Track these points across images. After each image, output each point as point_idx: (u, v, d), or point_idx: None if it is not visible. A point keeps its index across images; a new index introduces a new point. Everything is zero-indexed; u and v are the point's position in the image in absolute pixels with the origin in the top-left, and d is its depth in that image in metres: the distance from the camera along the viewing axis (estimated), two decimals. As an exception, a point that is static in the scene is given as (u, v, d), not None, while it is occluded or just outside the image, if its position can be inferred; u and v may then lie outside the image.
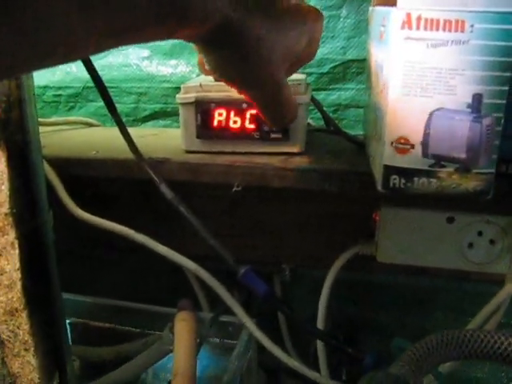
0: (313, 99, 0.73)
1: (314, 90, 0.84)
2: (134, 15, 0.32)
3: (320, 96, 0.83)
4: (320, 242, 0.74)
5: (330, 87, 0.84)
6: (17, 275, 0.53)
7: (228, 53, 0.42)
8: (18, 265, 0.52)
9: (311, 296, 0.73)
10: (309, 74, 0.83)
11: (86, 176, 0.69)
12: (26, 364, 0.56)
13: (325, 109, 0.78)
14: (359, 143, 0.69)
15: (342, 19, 0.80)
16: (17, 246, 0.52)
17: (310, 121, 0.80)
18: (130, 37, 0.34)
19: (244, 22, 0.40)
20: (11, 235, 0.52)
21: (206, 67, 0.45)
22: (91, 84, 0.62)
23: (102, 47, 0.33)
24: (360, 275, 0.78)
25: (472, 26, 0.45)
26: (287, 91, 0.49)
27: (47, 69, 0.84)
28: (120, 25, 0.31)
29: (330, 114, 0.83)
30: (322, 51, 0.82)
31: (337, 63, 0.82)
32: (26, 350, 0.55)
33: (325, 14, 0.80)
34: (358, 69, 0.82)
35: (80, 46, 0.31)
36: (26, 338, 0.55)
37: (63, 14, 0.28)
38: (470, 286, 0.75)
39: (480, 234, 0.64)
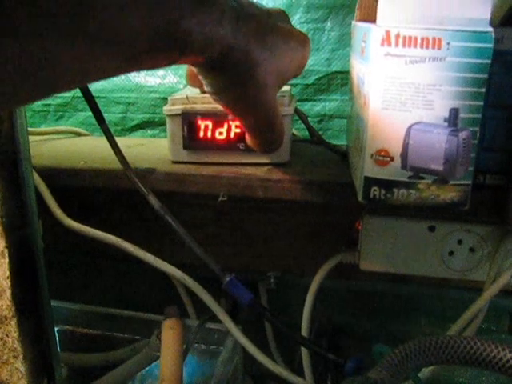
0: (297, 110, 0.74)
1: (299, 100, 0.85)
2: (136, 48, 0.33)
3: (305, 107, 0.85)
4: (305, 250, 0.75)
5: (315, 98, 0.85)
6: (6, 283, 0.53)
7: (228, 79, 0.44)
8: (7, 273, 0.53)
9: (296, 304, 0.74)
10: (294, 85, 0.85)
11: (74, 186, 0.69)
12: (15, 371, 0.57)
13: (310, 119, 0.80)
14: (342, 153, 0.71)
15: (326, 32, 0.82)
16: (6, 254, 0.53)
17: (294, 131, 0.81)
18: (133, 67, 0.35)
19: (244, 48, 0.41)
20: (1, 244, 0.52)
21: (206, 90, 0.46)
22: (80, 94, 0.64)
23: (104, 76, 0.35)
24: (344, 283, 0.80)
25: (448, 43, 0.47)
26: (280, 116, 0.50)
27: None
28: (122, 58, 0.33)
29: (315, 125, 0.84)
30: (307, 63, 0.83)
31: (321, 75, 0.84)
32: (14, 357, 0.56)
33: (310, 26, 0.82)
34: (342, 80, 0.84)
35: (79, 80, 0.33)
36: (14, 346, 0.55)
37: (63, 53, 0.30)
38: (451, 292, 0.76)
39: (460, 242, 0.66)
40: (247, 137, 0.53)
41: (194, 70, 0.45)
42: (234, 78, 0.44)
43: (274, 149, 0.54)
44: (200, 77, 0.45)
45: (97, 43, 0.30)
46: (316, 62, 0.84)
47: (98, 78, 0.34)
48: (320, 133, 0.82)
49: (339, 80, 0.84)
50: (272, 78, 0.46)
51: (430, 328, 0.82)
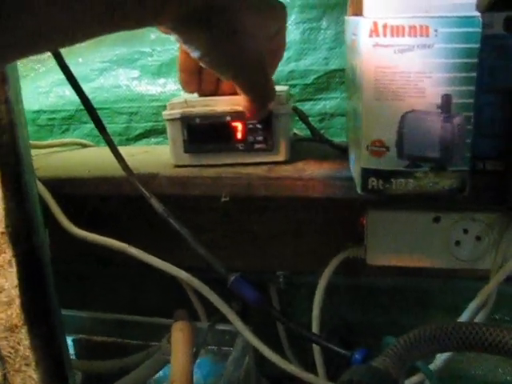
0: (296, 109, 0.74)
1: (299, 100, 0.86)
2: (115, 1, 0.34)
3: (306, 106, 0.85)
4: (312, 248, 0.75)
5: (315, 97, 0.86)
6: (15, 292, 0.54)
7: (216, 31, 0.44)
8: (16, 282, 0.54)
9: (307, 302, 0.74)
10: (293, 86, 0.85)
11: (80, 195, 0.71)
12: (28, 379, 0.57)
13: (311, 118, 0.80)
14: (343, 149, 0.71)
15: (322, 31, 0.83)
16: (14, 264, 0.54)
17: (296, 131, 0.82)
18: (115, 20, 0.36)
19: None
20: (8, 253, 0.53)
21: (194, 55, 0.47)
22: (83, 107, 0.65)
23: (92, 32, 0.35)
24: (354, 280, 0.79)
25: (436, 30, 0.47)
26: (268, 69, 0.52)
27: (40, 93, 0.85)
28: (102, 9, 0.34)
29: (317, 124, 0.85)
30: (305, 63, 0.84)
31: (320, 74, 0.84)
32: (26, 365, 0.57)
33: (305, 26, 0.83)
34: (341, 78, 0.84)
35: (66, 33, 0.34)
36: (26, 354, 0.56)
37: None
38: (461, 283, 0.76)
39: (466, 231, 0.66)
40: (242, 98, 0.55)
41: (181, 40, 0.45)
42: (221, 30, 0.45)
43: (270, 99, 0.56)
44: (188, 45, 0.46)
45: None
46: (314, 61, 0.84)
47: (81, 33, 0.35)
48: (322, 131, 0.82)
49: (338, 78, 0.84)
50: (257, 30, 0.47)
51: (442, 320, 0.81)
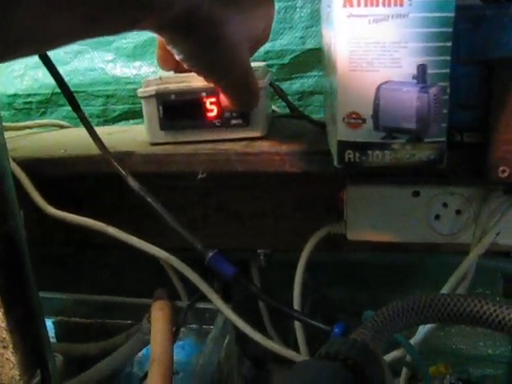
0: (273, 86, 0.74)
1: (277, 80, 0.85)
2: (95, 7, 0.33)
3: (284, 86, 0.85)
4: (293, 224, 0.75)
5: (293, 76, 0.85)
6: (-10, 274, 0.54)
7: (198, 39, 0.44)
8: (-10, 264, 0.53)
9: (288, 279, 0.74)
10: (270, 66, 0.85)
11: (57, 175, 0.70)
12: (6, 361, 0.57)
13: (290, 97, 0.80)
14: (321, 125, 0.70)
15: (298, 9, 0.82)
16: (-12, 246, 0.53)
17: (275, 108, 0.81)
18: (95, 28, 0.35)
19: (210, 6, 0.41)
20: (-18, 237, 0.53)
21: (177, 58, 0.46)
22: (59, 90, 0.64)
23: (66, 39, 0.34)
24: (334, 255, 0.79)
25: (410, -1, 0.47)
26: (252, 73, 0.51)
27: (16, 77, 0.84)
28: (81, 19, 0.33)
29: (295, 102, 0.84)
30: (281, 42, 0.84)
31: (297, 53, 0.84)
32: (4, 347, 0.56)
33: (281, 5, 0.82)
34: (318, 57, 0.83)
35: (37, 42, 0.33)
36: (3, 336, 0.55)
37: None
38: (441, 257, 0.76)
39: (445, 205, 0.65)
40: (224, 99, 0.54)
41: (164, 40, 0.44)
42: (203, 39, 0.44)
43: (252, 106, 0.55)
44: (171, 46, 0.45)
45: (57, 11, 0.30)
46: (290, 40, 0.83)
47: (59, 41, 0.34)
48: (301, 109, 0.81)
49: (315, 57, 0.83)
50: (241, 36, 0.46)
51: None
